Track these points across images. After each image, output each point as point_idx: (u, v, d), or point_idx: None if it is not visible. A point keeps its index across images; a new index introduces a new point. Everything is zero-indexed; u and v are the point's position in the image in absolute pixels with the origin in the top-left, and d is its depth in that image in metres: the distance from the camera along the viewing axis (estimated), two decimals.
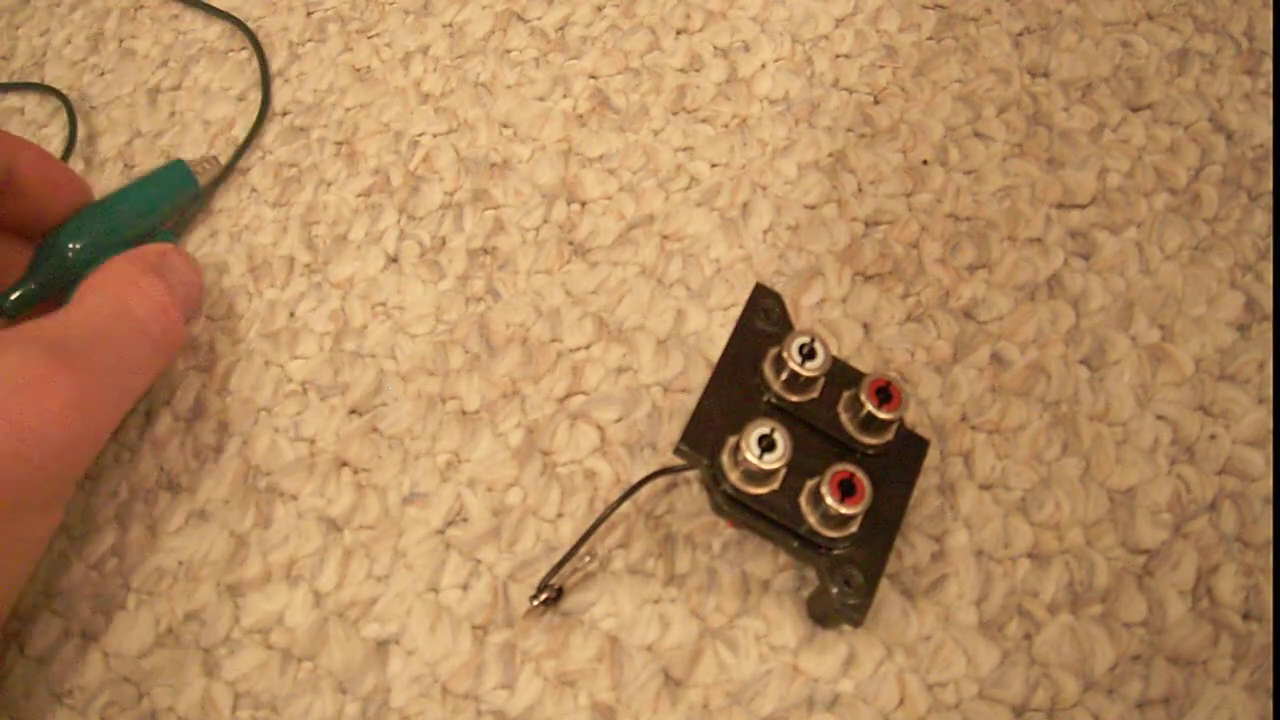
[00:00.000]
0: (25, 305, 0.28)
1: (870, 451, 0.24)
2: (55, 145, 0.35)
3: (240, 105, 0.35)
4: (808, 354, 0.24)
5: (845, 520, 0.23)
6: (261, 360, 0.30)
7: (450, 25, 0.36)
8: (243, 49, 0.37)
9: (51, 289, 0.28)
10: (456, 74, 0.35)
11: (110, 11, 0.39)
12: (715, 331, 0.29)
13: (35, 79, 0.37)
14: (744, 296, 0.28)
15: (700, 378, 0.28)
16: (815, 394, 0.24)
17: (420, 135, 0.34)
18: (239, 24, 0.37)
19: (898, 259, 0.30)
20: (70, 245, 0.28)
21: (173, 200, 0.32)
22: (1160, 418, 0.27)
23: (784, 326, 0.26)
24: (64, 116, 0.36)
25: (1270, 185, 0.30)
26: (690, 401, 0.28)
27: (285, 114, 0.35)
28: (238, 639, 0.26)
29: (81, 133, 0.35)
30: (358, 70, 0.35)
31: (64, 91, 0.36)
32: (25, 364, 0.22)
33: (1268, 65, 0.32)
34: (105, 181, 0.34)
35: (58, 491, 0.24)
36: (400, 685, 0.25)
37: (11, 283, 0.28)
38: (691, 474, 0.26)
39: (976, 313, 0.29)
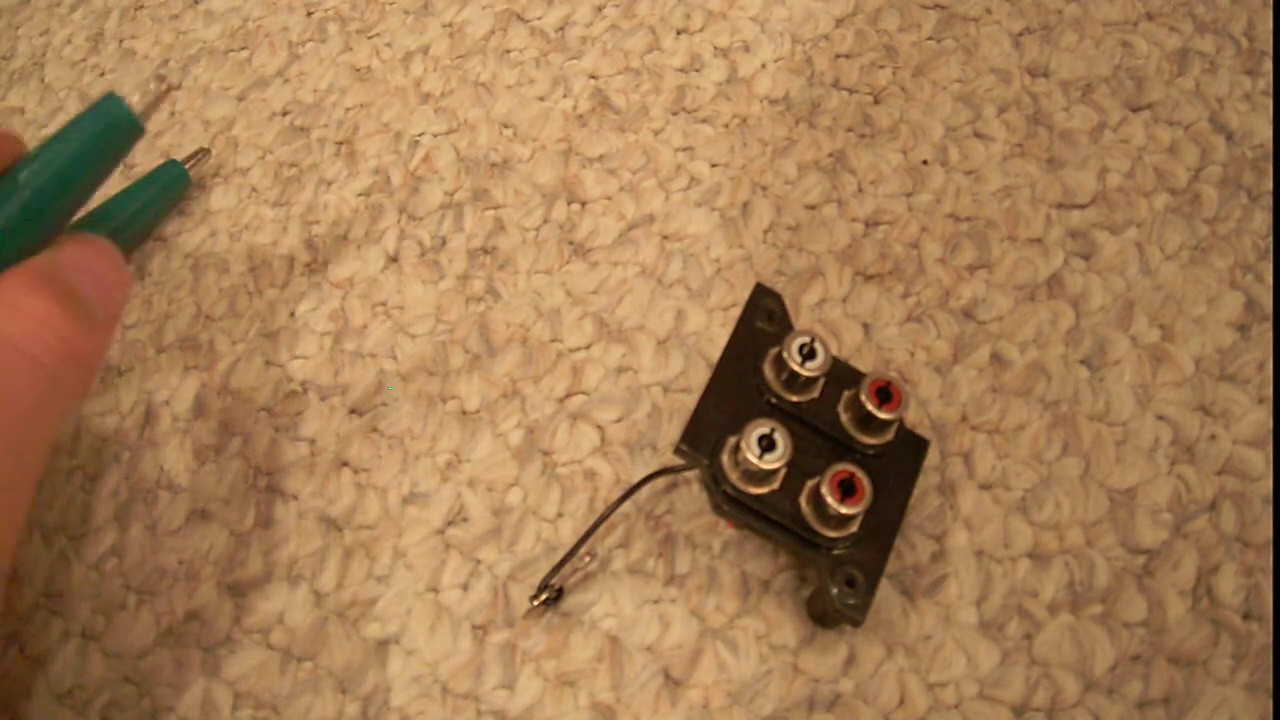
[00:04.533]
0: None
1: (870, 451, 0.24)
2: None
3: (240, 105, 0.35)
4: (808, 354, 0.24)
5: (845, 520, 0.23)
6: (261, 360, 0.30)
7: (450, 25, 0.36)
8: (243, 49, 0.37)
9: None
10: (456, 74, 0.35)
11: (110, 11, 0.39)
12: (715, 331, 0.29)
13: (35, 79, 0.37)
14: (744, 296, 0.28)
15: (700, 378, 0.28)
16: (815, 394, 0.24)
17: (420, 135, 0.34)
18: None
19: (898, 259, 0.30)
20: None
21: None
22: (1160, 418, 0.27)
23: (784, 326, 0.26)
24: (64, 117, 0.36)
25: (1270, 185, 0.30)
26: (690, 401, 0.28)
27: (285, 114, 0.35)
28: (238, 639, 0.26)
29: None
30: (358, 70, 0.35)
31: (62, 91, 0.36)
32: None
33: (1268, 65, 0.32)
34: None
35: None
36: (400, 685, 0.25)
37: None
38: (691, 474, 0.26)
39: (976, 313, 0.29)
